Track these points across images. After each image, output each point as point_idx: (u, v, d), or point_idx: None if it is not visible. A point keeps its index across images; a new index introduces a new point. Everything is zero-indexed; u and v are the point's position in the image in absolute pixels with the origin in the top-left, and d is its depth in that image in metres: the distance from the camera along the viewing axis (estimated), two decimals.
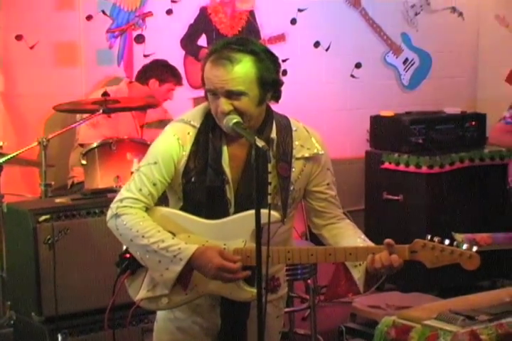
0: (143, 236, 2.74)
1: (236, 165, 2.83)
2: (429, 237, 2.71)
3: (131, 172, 3.00)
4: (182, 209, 2.84)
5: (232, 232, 2.80)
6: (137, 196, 2.79)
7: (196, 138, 2.81)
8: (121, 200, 2.81)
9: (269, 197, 2.69)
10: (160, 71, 5.59)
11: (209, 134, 2.81)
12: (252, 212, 2.63)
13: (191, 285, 2.79)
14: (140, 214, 2.79)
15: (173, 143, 2.81)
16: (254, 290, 2.67)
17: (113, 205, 2.82)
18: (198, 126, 2.83)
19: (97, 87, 5.77)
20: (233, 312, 2.89)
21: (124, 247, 2.87)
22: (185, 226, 2.80)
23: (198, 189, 2.80)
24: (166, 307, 2.87)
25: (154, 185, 2.80)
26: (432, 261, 2.70)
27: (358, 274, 2.82)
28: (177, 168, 2.81)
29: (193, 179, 2.80)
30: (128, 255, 2.84)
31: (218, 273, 2.71)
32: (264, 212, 2.63)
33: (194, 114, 2.87)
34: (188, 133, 2.82)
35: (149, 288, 2.83)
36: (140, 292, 2.84)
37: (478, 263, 2.69)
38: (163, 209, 2.85)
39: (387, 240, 2.72)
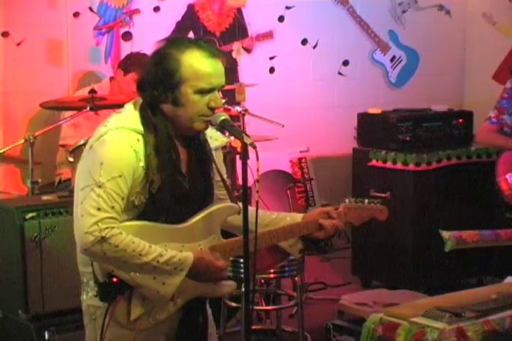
0: (140, 255, 2.62)
1: (184, 166, 2.82)
2: (347, 200, 3.09)
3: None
4: (139, 217, 2.73)
5: (202, 231, 2.81)
6: (113, 214, 2.62)
7: (146, 143, 2.69)
8: (98, 222, 2.59)
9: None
10: (125, 61, 5.47)
11: (159, 138, 2.71)
12: (214, 207, 2.81)
13: (177, 292, 2.75)
14: (124, 232, 2.63)
15: (130, 152, 2.66)
16: (233, 283, 2.81)
17: (90, 229, 2.59)
18: (142, 131, 2.70)
19: (67, 80, 5.75)
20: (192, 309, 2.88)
21: (97, 272, 2.71)
22: (158, 237, 2.72)
23: (167, 195, 2.71)
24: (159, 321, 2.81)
25: (123, 199, 2.66)
26: (358, 219, 3.10)
27: (285, 243, 3.01)
28: (134, 177, 2.67)
29: (162, 186, 2.70)
30: (115, 279, 2.67)
31: (220, 274, 2.76)
32: (228, 205, 2.83)
33: (132, 119, 2.73)
34: (138, 140, 2.69)
35: (137, 305, 2.74)
36: (132, 311, 2.73)
37: (387, 214, 3.12)
38: (129, 224, 2.70)
39: (328, 208, 3.04)
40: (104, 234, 2.59)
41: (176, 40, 2.77)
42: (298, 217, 3.04)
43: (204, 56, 2.70)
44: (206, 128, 2.79)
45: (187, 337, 2.88)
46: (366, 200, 3.10)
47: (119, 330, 2.76)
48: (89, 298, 2.81)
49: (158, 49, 2.75)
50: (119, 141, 2.67)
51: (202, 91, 2.71)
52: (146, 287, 2.68)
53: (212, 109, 2.74)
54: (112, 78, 5.63)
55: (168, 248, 2.71)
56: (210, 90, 2.72)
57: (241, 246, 2.68)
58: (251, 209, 2.76)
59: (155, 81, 2.72)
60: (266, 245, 2.93)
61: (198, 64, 2.70)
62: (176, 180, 2.74)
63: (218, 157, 2.95)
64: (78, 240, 2.64)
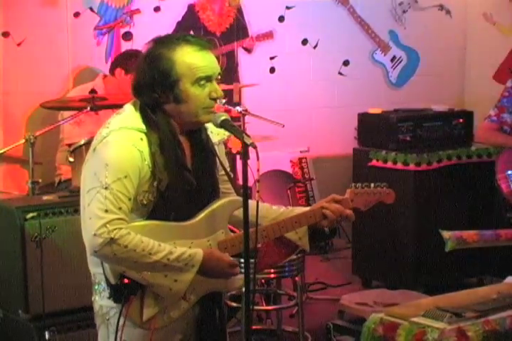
0: (150, 254, 2.63)
1: (189, 162, 2.83)
2: (353, 185, 3.07)
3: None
4: (150, 216, 2.74)
5: (210, 227, 2.82)
6: (120, 215, 2.63)
7: (150, 142, 2.71)
8: (106, 224, 2.60)
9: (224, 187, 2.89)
10: (126, 60, 5.39)
11: (163, 136, 2.73)
12: (220, 202, 2.82)
13: (190, 289, 2.76)
14: (132, 232, 2.64)
15: (134, 152, 2.67)
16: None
17: (98, 231, 2.59)
18: (145, 129, 2.71)
19: (68, 80, 5.75)
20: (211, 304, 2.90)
21: (108, 274, 2.71)
22: (166, 235, 2.73)
23: (177, 192, 2.73)
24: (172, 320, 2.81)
25: (129, 200, 2.66)
26: (365, 204, 3.07)
27: (295, 236, 3.00)
28: (140, 177, 2.68)
29: (170, 184, 2.71)
30: (126, 280, 2.68)
31: (230, 269, 2.77)
32: (233, 199, 2.84)
33: (133, 119, 2.75)
34: (141, 139, 2.70)
35: (150, 304, 2.74)
36: (145, 311, 2.74)
37: (394, 197, 3.11)
38: (137, 224, 2.71)
39: (333, 195, 3.02)
40: (112, 236, 2.60)
41: (164, 39, 2.79)
42: (305, 209, 3.04)
43: (195, 50, 2.74)
44: (211, 119, 2.79)
45: (206, 333, 2.89)
46: (372, 184, 3.08)
47: (134, 330, 2.76)
48: (101, 298, 2.80)
49: (149, 51, 2.77)
50: (123, 142, 2.68)
51: (200, 81, 2.73)
52: (158, 285, 2.70)
53: (214, 100, 2.77)
54: (105, 76, 5.61)
55: (178, 245, 2.72)
56: (208, 79, 2.74)
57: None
58: (253, 202, 2.76)
59: (152, 83, 2.74)
60: (275, 235, 2.94)
61: (191, 59, 2.73)
62: (184, 176, 2.76)
63: (220, 151, 2.97)
64: (87, 243, 2.65)
